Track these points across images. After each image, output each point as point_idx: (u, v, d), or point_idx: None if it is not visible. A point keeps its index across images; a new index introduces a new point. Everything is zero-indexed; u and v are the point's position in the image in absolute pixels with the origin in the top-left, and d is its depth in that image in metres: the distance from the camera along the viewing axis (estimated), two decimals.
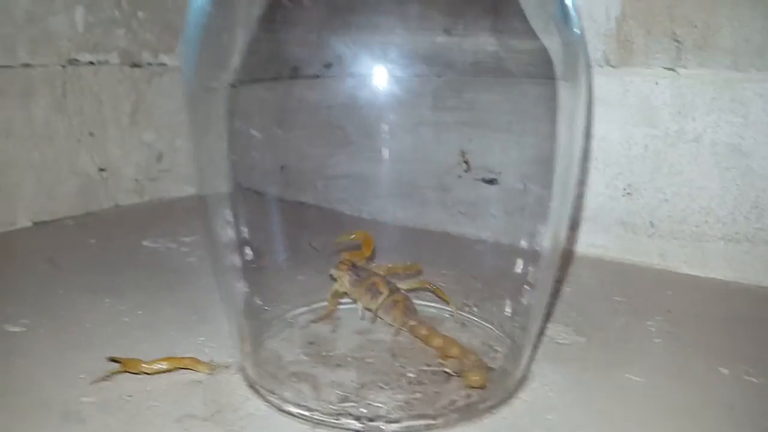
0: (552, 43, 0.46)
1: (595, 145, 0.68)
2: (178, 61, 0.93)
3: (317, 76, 0.72)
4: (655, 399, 0.41)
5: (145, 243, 0.72)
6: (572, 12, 0.43)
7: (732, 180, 0.61)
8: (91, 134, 0.83)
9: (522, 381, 0.42)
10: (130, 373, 0.42)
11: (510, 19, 0.56)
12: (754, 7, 0.59)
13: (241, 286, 0.45)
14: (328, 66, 0.69)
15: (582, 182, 0.68)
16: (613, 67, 0.67)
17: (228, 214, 0.44)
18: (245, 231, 0.46)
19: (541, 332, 0.48)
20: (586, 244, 0.69)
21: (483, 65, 0.68)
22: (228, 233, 0.44)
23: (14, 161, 0.76)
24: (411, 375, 0.42)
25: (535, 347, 0.45)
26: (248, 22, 0.50)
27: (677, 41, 0.63)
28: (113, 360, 0.43)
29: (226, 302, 0.45)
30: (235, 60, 0.48)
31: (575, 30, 0.43)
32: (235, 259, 0.45)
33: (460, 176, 0.73)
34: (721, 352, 0.47)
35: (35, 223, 0.79)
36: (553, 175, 0.43)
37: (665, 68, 0.64)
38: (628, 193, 0.67)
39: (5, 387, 0.41)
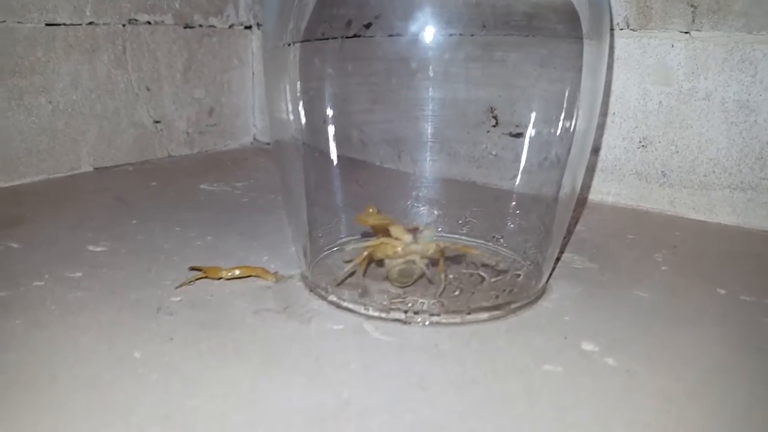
0: (581, 4, 0.52)
1: (614, 100, 0.74)
2: (226, 23, 0.99)
3: (357, 36, 0.78)
4: (658, 310, 0.48)
5: (202, 186, 0.79)
6: None
7: (739, 134, 0.67)
8: (148, 89, 0.91)
9: (542, 292, 0.49)
10: (210, 278, 0.50)
11: None
12: None
13: (304, 212, 0.53)
14: (367, 26, 0.76)
15: (600, 135, 0.75)
16: (633, 30, 0.72)
17: (295, 160, 0.51)
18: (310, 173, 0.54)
19: (559, 257, 0.55)
20: (603, 192, 0.76)
21: (513, 25, 0.74)
22: (296, 174, 0.51)
23: (79, 111, 0.84)
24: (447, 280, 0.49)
25: (552, 270, 0.52)
26: None
27: (693, 6, 0.68)
28: (194, 269, 0.50)
29: (294, 226, 0.53)
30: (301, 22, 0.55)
31: None
32: (301, 192, 0.52)
33: (488, 131, 0.79)
34: (720, 278, 0.54)
35: (96, 169, 0.86)
36: (564, 122, 0.50)
37: (681, 32, 0.70)
38: (643, 146, 0.73)
39: (100, 290, 0.48)
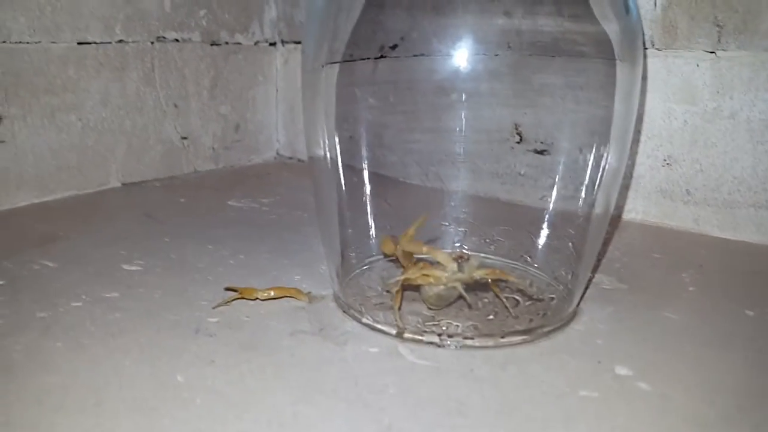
0: (611, 27, 0.53)
1: (639, 119, 0.74)
2: (251, 40, 1.01)
3: (382, 57, 0.80)
4: (688, 332, 0.48)
5: (230, 203, 0.80)
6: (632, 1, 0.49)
7: (764, 152, 0.68)
8: (176, 105, 0.92)
9: (574, 315, 0.50)
10: (245, 299, 0.51)
11: (573, 3, 0.62)
12: None
13: (337, 234, 0.54)
14: (393, 47, 0.77)
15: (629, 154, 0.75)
16: (658, 49, 0.73)
17: (329, 179, 0.52)
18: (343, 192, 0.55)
19: (591, 278, 0.56)
20: (628, 210, 0.77)
21: (540, 46, 0.75)
22: (330, 193, 0.52)
23: (108, 128, 0.86)
24: (482, 302, 0.49)
25: (585, 290, 0.53)
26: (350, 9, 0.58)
27: (718, 26, 0.69)
28: (230, 289, 0.51)
29: (327, 246, 0.54)
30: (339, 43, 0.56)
31: (634, 15, 0.49)
32: (335, 211, 0.53)
33: (512, 147, 0.80)
34: (748, 299, 0.54)
35: (124, 184, 0.88)
36: (597, 146, 0.50)
37: (706, 51, 0.70)
38: (668, 164, 0.73)
39: (138, 311, 0.50)
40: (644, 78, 0.73)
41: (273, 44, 1.04)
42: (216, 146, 0.99)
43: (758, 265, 0.63)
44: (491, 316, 0.48)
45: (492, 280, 0.47)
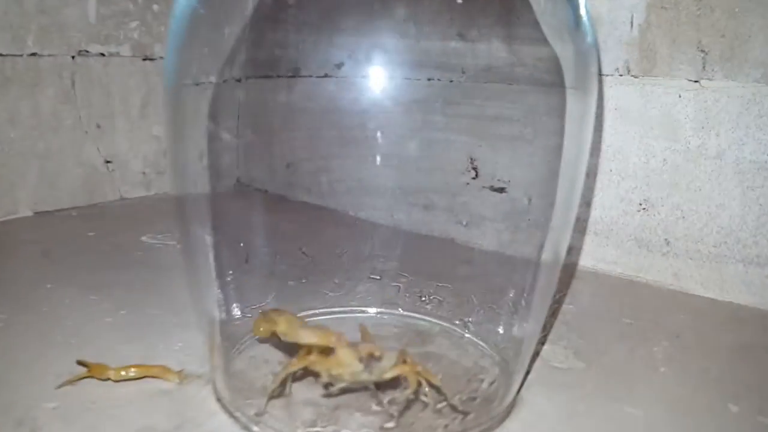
0: (564, 50, 0.43)
1: (612, 156, 0.65)
2: None
3: (326, 75, 0.70)
4: None
5: (143, 239, 0.70)
6: (585, 19, 0.40)
7: (755, 200, 0.58)
8: (98, 126, 0.82)
9: (510, 409, 0.39)
10: (96, 378, 0.40)
11: (523, 25, 0.53)
12: None
13: (214, 294, 0.43)
14: (339, 66, 0.67)
15: (594, 194, 0.65)
16: (634, 77, 0.63)
17: (207, 216, 0.42)
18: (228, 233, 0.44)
19: (535, 357, 0.45)
20: (596, 259, 0.66)
21: (496, 71, 0.65)
22: (205, 236, 0.41)
23: (18, 150, 0.76)
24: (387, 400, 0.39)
25: (528, 372, 0.42)
26: (243, 19, 0.48)
27: (703, 51, 0.59)
28: (81, 363, 0.41)
29: (199, 310, 0.43)
30: (223, 57, 0.46)
31: (588, 38, 0.40)
32: (211, 264, 0.42)
33: (468, 183, 0.70)
34: (732, 386, 0.44)
35: (36, 213, 0.78)
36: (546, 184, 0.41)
37: (689, 80, 0.60)
38: (644, 209, 0.63)
39: None
40: (601, 106, 0.64)
41: None
42: (147, 170, 0.88)
43: (747, 336, 0.53)
44: (392, 422, 0.37)
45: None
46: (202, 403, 0.39)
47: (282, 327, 0.37)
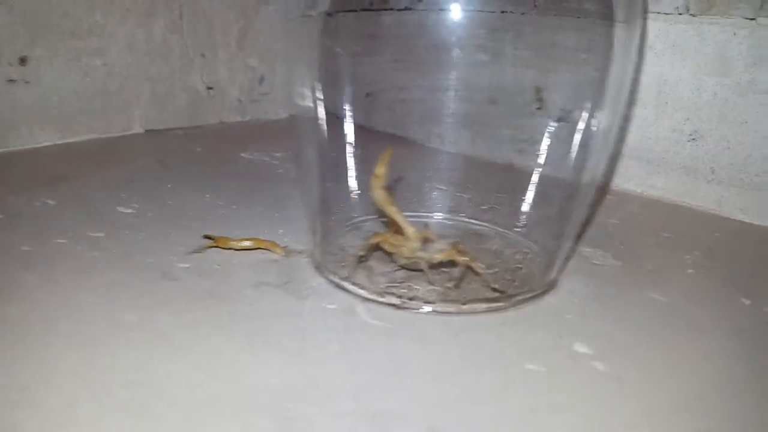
0: None
1: (668, 90, 0.70)
2: None
3: (407, 9, 0.77)
4: (672, 316, 0.46)
5: (243, 155, 0.81)
6: None
7: None
8: (203, 55, 0.93)
9: (550, 286, 0.48)
10: (220, 248, 0.51)
11: None
12: None
13: (317, 192, 0.53)
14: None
15: (649, 125, 0.71)
16: (692, 15, 0.68)
17: (314, 134, 0.51)
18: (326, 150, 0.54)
19: (573, 250, 0.53)
20: (647, 185, 0.73)
21: (565, 6, 0.71)
22: (312, 150, 0.51)
23: (134, 74, 0.87)
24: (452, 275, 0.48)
25: (567, 260, 0.50)
26: None
27: None
28: (207, 237, 0.52)
29: (306, 203, 0.53)
30: None
31: None
32: (316, 171, 0.52)
33: (532, 113, 0.77)
34: (749, 287, 0.51)
35: (147, 131, 0.89)
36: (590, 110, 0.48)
37: (746, 18, 0.65)
38: (693, 139, 0.69)
39: (116, 252, 0.51)
40: (644, 41, 0.69)
41: None
42: (242, 98, 0.99)
43: None
44: (456, 283, 0.46)
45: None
46: (303, 269, 0.49)
47: (375, 185, 0.45)
